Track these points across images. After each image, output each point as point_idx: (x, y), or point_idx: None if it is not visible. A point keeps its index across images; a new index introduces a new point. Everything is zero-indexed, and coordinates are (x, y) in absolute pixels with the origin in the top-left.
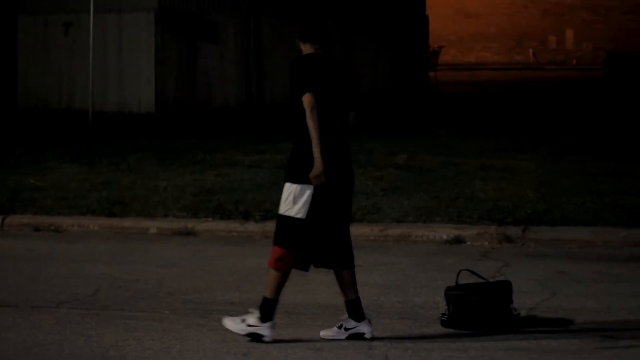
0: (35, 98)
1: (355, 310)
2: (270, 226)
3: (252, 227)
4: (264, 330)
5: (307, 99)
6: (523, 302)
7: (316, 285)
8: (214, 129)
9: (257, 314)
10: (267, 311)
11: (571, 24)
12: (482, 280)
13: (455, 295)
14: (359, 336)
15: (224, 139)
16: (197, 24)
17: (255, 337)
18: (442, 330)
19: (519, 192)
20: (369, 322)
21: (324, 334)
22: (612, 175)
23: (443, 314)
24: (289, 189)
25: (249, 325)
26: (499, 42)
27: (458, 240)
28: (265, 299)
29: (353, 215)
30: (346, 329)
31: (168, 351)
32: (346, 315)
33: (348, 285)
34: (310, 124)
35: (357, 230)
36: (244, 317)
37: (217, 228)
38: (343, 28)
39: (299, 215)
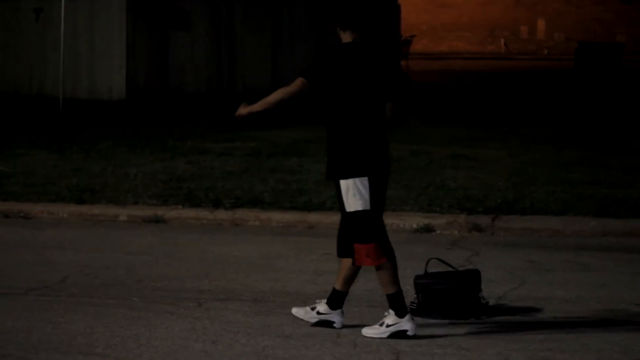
0: (5, 84)
1: (338, 300)
2: (240, 214)
3: (222, 214)
4: (405, 324)
5: (298, 81)
6: (492, 290)
7: (286, 274)
8: (185, 116)
9: (392, 312)
10: (400, 305)
11: (543, 14)
12: (451, 269)
13: (424, 284)
14: (329, 324)
15: (195, 126)
16: (168, 11)
17: (400, 335)
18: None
19: (489, 181)
20: (342, 313)
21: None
22: (582, 164)
23: (412, 302)
24: (346, 186)
25: (389, 326)
26: (471, 31)
27: (428, 229)
28: (391, 296)
29: (323, 204)
30: (318, 312)
31: (137, 338)
32: (323, 305)
33: (353, 277)
34: (278, 94)
35: (328, 219)
36: (381, 321)
37: (187, 216)
38: (313, 16)
39: (366, 207)
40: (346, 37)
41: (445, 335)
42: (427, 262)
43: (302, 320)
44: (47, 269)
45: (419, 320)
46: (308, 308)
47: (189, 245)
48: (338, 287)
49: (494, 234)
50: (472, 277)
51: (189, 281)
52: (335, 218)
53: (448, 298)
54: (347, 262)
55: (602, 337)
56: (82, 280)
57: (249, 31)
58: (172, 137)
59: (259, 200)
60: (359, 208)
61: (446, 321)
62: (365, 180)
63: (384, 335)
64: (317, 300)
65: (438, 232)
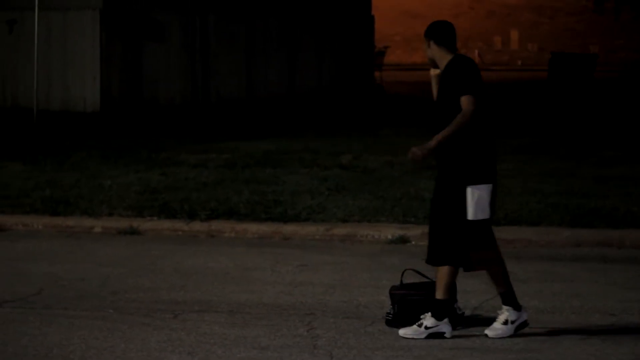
0: None
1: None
2: (216, 225)
3: (197, 226)
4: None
5: (470, 101)
6: (467, 301)
7: (261, 285)
8: (159, 128)
9: (430, 315)
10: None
11: (516, 25)
12: (426, 280)
13: (400, 295)
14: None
15: (169, 137)
16: (142, 22)
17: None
18: (387, 329)
19: None
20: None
21: (403, 332)
22: (555, 175)
23: (388, 313)
24: (474, 194)
25: (428, 328)
26: None
27: (403, 240)
28: (503, 293)
29: (298, 215)
30: (427, 328)
31: (112, 350)
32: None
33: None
34: (460, 118)
35: (303, 230)
36: (419, 322)
37: (162, 227)
38: (288, 27)
39: (486, 216)
40: (442, 51)
41: (422, 346)
42: (403, 273)
43: (278, 331)
44: (22, 281)
45: (395, 331)
46: (415, 326)
47: (164, 257)
48: (440, 296)
49: None
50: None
51: (165, 293)
52: (310, 229)
53: (424, 309)
54: (444, 269)
55: (578, 347)
56: (57, 292)
57: (222, 43)
58: (147, 148)
59: (234, 211)
60: (480, 217)
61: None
62: (490, 187)
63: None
64: (421, 316)
65: (413, 242)
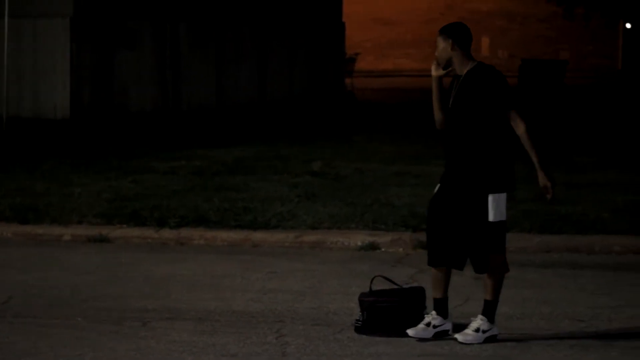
0: None
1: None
2: (185, 233)
3: (167, 233)
4: (495, 329)
5: (518, 116)
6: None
7: (231, 293)
8: (130, 135)
9: (485, 319)
10: (493, 312)
11: (487, 31)
12: (395, 287)
13: (369, 302)
14: (444, 333)
15: (139, 145)
16: (113, 30)
17: (492, 339)
18: (356, 336)
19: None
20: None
21: (412, 333)
22: (526, 181)
23: (357, 320)
24: (496, 200)
25: (485, 331)
26: (415, 48)
27: (373, 247)
28: (490, 302)
29: (268, 222)
30: (434, 326)
31: (81, 358)
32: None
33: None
34: (528, 136)
35: (273, 237)
36: (475, 327)
37: (132, 235)
38: (258, 34)
39: (504, 218)
40: (460, 55)
41: (391, 353)
42: (372, 279)
43: (247, 339)
44: None
45: (364, 338)
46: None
47: (133, 265)
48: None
49: None
50: (417, 295)
51: (134, 301)
52: (280, 237)
53: (393, 316)
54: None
55: (547, 353)
56: (26, 301)
57: (193, 50)
58: (117, 156)
59: (204, 219)
60: (499, 218)
61: (392, 339)
62: (504, 194)
63: (481, 340)
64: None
65: (383, 249)
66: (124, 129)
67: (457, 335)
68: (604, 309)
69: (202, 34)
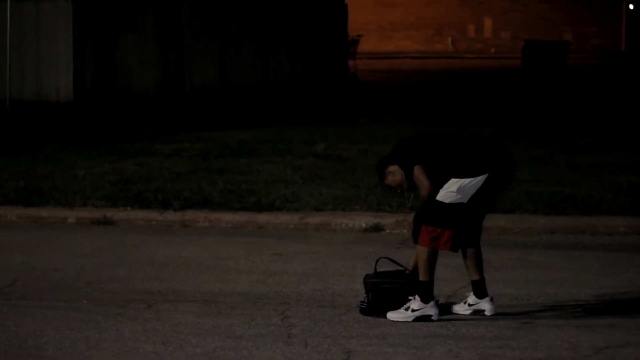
0: None
1: (479, 289)
2: (189, 215)
3: (171, 216)
4: (430, 309)
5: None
6: (441, 289)
7: (236, 275)
8: (133, 118)
9: (418, 298)
10: (427, 293)
11: (489, 13)
12: (400, 268)
13: (374, 283)
14: (480, 312)
15: (143, 127)
16: (115, 12)
17: (424, 319)
18: (361, 317)
19: None
20: (491, 300)
21: (456, 308)
22: (529, 162)
23: (362, 301)
24: (454, 184)
25: (415, 310)
26: (418, 30)
27: (377, 229)
28: (423, 283)
29: (272, 204)
30: (469, 305)
31: (87, 341)
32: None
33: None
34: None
35: (277, 219)
36: (406, 306)
37: (136, 217)
38: (261, 16)
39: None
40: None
41: (396, 334)
42: (377, 261)
43: (252, 321)
44: None
45: (369, 319)
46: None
47: (138, 247)
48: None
49: None
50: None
51: (139, 283)
52: (284, 218)
53: (398, 297)
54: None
55: (552, 334)
56: (31, 283)
57: (196, 33)
58: (120, 138)
59: (208, 201)
60: (446, 199)
61: (396, 320)
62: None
63: (409, 319)
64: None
65: (387, 231)
66: (127, 111)
67: (388, 314)
68: (608, 290)
69: (205, 16)
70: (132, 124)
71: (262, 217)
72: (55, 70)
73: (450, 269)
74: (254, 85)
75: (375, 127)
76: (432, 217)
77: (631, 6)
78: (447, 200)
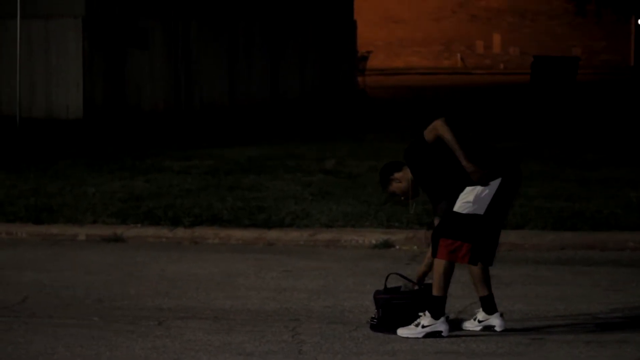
0: None
1: (488, 305)
2: (199, 232)
3: (181, 233)
4: (440, 325)
5: None
6: (452, 305)
7: (246, 291)
8: (142, 135)
9: (428, 314)
10: (439, 309)
11: (498, 29)
12: (410, 284)
13: (384, 299)
14: (490, 328)
15: (153, 144)
16: (125, 29)
17: (435, 335)
18: (372, 334)
19: None
20: (501, 316)
21: (466, 324)
22: (539, 178)
23: (372, 318)
24: (468, 192)
25: (425, 326)
26: (426, 47)
27: (387, 245)
28: (436, 298)
29: (282, 221)
30: (479, 321)
31: (98, 358)
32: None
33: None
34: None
35: (287, 235)
36: (417, 322)
37: (146, 234)
38: (270, 33)
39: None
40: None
41: (407, 351)
42: (387, 277)
43: (263, 337)
44: (6, 290)
45: (380, 335)
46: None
47: (148, 264)
48: (478, 294)
49: None
50: (432, 292)
51: (149, 300)
52: (294, 235)
53: (408, 313)
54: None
55: (563, 350)
56: (42, 300)
57: (205, 48)
58: (130, 155)
59: (218, 217)
60: (463, 210)
61: (407, 336)
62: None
63: (419, 335)
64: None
65: (397, 247)
66: (137, 128)
67: (399, 330)
68: (618, 305)
69: (214, 32)
70: (141, 140)
71: (272, 234)
72: (65, 88)
73: (461, 285)
74: (263, 101)
75: (385, 143)
76: (450, 230)
77: None
78: (464, 212)
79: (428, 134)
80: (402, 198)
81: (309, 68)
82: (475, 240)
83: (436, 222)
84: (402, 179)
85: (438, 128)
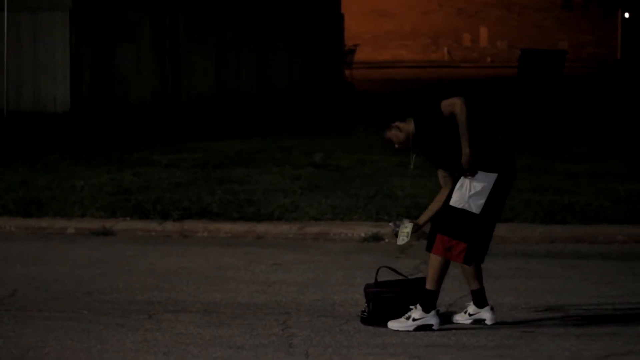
0: None
1: (479, 299)
2: (188, 225)
3: (170, 226)
4: (431, 319)
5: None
6: (442, 298)
7: (235, 285)
8: (130, 128)
9: (419, 307)
10: (430, 302)
11: (485, 22)
12: (400, 277)
13: (374, 293)
14: (481, 321)
15: (141, 137)
16: (113, 22)
17: (425, 328)
18: (362, 327)
19: (436, 188)
20: (492, 309)
21: (457, 318)
22: (527, 171)
23: (362, 311)
24: (464, 185)
25: (416, 319)
26: (414, 40)
27: (376, 238)
28: (428, 292)
29: (271, 214)
30: (470, 314)
31: (88, 351)
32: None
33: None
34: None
35: (276, 229)
36: (407, 315)
37: (135, 227)
38: (258, 26)
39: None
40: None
41: (397, 344)
42: (377, 270)
43: (253, 331)
44: None
45: (370, 329)
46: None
47: (137, 257)
48: (470, 287)
49: None
50: (422, 285)
51: (139, 293)
52: (283, 228)
53: (398, 306)
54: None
55: (553, 343)
56: (31, 294)
57: (193, 42)
58: (118, 149)
59: (207, 211)
60: (459, 205)
61: (397, 329)
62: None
63: (410, 328)
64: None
65: (387, 240)
66: (125, 121)
67: (389, 323)
68: (608, 299)
69: (202, 26)
70: (129, 134)
71: (261, 227)
72: (52, 81)
73: (450, 279)
74: (251, 94)
75: (373, 136)
76: (448, 228)
77: (627, 14)
78: (459, 206)
79: (445, 107)
80: (396, 146)
81: (296, 61)
82: (471, 240)
83: (440, 173)
84: (403, 129)
85: (456, 106)
